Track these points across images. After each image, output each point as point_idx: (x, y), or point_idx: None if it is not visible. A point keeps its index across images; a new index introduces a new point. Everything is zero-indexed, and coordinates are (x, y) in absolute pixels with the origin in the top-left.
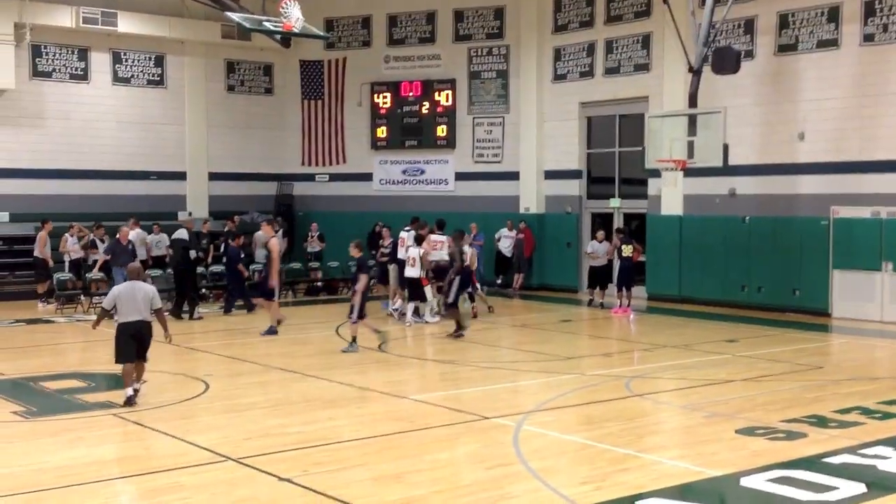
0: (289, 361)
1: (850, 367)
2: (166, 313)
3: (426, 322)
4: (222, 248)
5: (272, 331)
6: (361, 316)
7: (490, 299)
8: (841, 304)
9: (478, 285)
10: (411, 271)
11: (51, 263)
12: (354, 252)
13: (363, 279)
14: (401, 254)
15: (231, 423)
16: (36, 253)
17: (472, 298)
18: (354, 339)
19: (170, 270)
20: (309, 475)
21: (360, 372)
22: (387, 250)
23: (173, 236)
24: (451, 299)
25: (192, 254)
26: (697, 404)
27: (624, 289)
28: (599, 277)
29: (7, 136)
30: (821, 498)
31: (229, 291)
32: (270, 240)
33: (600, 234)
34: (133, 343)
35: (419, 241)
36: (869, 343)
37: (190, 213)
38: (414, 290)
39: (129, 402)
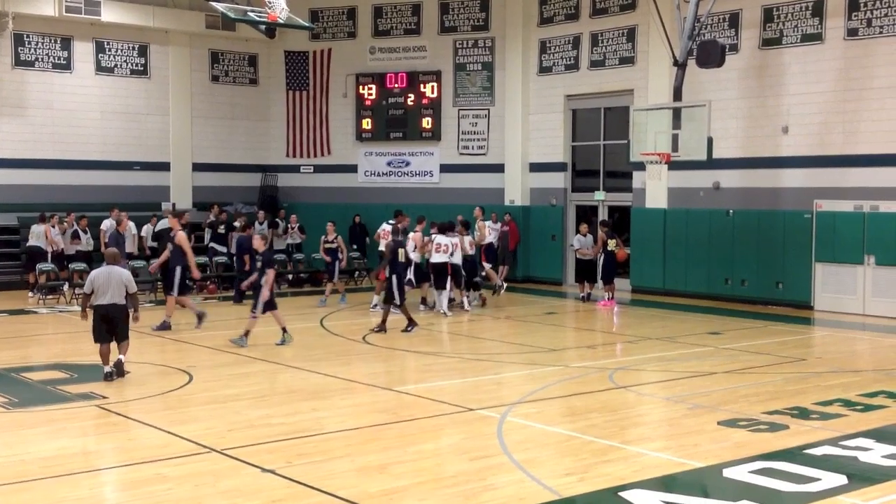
0: (273, 353)
1: (832, 359)
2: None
3: (445, 313)
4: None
5: (165, 326)
6: (267, 308)
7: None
8: (823, 297)
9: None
10: (438, 257)
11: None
12: (259, 245)
13: (271, 273)
14: (382, 246)
15: (215, 415)
16: (42, 244)
17: (476, 287)
18: (247, 333)
19: (154, 261)
20: (293, 466)
21: (345, 363)
22: (331, 245)
23: (159, 227)
24: (397, 300)
25: None
26: (680, 396)
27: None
28: (587, 271)
29: None
30: (802, 489)
31: (239, 280)
32: (178, 233)
33: (584, 227)
34: (104, 325)
35: (443, 230)
36: (851, 336)
37: (174, 205)
38: (438, 278)
39: (107, 377)
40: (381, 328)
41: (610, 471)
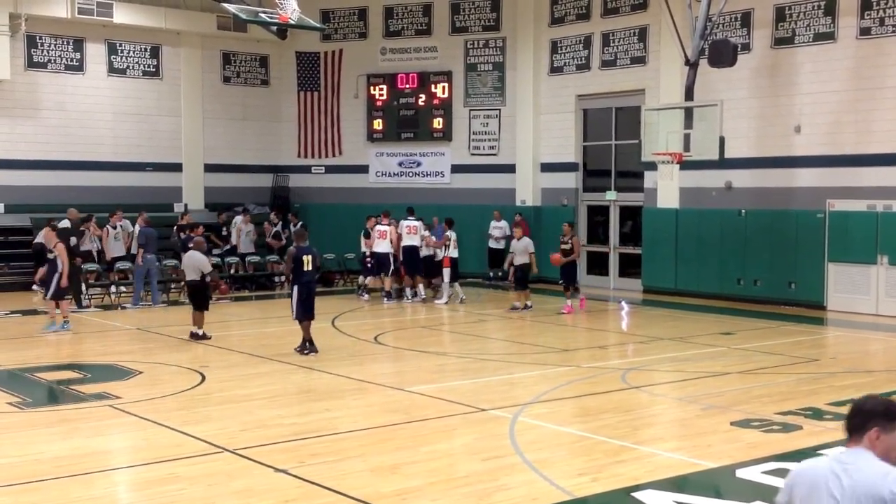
0: (285, 353)
1: (845, 359)
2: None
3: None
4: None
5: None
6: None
7: (485, 292)
8: (836, 297)
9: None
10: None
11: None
12: (52, 237)
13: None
14: (414, 241)
15: (227, 415)
16: (39, 240)
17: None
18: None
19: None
20: (305, 466)
21: (357, 364)
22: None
23: (59, 226)
24: (295, 316)
25: (73, 240)
26: (693, 396)
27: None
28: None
29: (2, 127)
30: None
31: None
32: (57, 244)
33: (518, 231)
34: (189, 297)
35: (451, 224)
36: (864, 336)
37: (186, 206)
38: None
39: (192, 335)
40: (307, 347)
41: (623, 471)
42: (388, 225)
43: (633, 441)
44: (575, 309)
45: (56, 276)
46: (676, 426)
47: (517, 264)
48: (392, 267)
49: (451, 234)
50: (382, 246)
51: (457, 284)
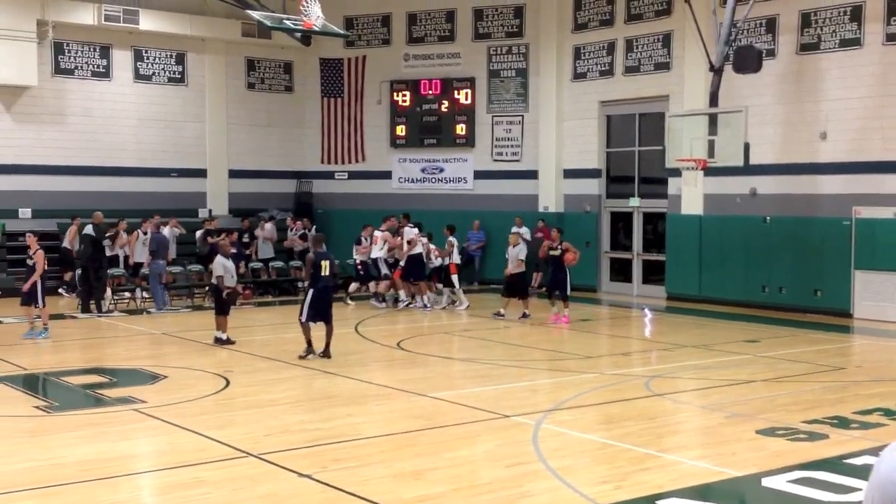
0: (308, 359)
1: (871, 368)
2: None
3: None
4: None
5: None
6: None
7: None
8: (863, 304)
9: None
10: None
11: (74, 254)
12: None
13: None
14: (421, 250)
15: (251, 420)
16: (64, 244)
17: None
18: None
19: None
20: (329, 472)
21: (380, 369)
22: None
23: (83, 232)
24: (303, 317)
25: (106, 243)
26: (718, 404)
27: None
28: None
29: (29, 132)
30: (842, 499)
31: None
32: (37, 251)
33: (513, 237)
34: (215, 300)
35: (452, 230)
36: (891, 344)
37: (210, 212)
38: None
39: (216, 340)
40: (309, 350)
41: (647, 479)
42: (384, 231)
43: (658, 449)
44: (560, 317)
45: (32, 281)
46: (701, 434)
47: (508, 272)
48: (383, 272)
49: (454, 240)
50: (377, 251)
51: (446, 289)
